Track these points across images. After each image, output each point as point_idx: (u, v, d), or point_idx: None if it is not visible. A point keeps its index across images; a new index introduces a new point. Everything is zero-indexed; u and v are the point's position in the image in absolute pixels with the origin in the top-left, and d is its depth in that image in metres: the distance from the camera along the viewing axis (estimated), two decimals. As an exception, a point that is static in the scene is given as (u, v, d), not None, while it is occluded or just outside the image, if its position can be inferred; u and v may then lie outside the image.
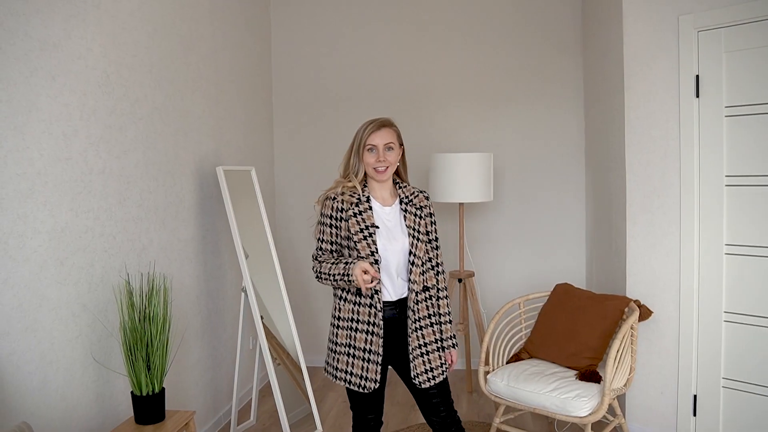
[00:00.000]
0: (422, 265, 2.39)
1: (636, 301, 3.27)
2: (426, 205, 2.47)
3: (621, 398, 3.49)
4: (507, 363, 3.43)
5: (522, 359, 3.44)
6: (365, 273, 2.22)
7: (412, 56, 4.64)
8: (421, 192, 2.49)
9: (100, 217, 2.55)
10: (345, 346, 2.35)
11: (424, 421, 3.72)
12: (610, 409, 3.43)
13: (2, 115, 2.03)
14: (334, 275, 2.29)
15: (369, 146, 2.33)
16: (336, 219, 2.33)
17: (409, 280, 2.36)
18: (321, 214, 2.36)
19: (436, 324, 2.43)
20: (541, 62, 4.49)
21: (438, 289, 2.46)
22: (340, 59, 4.72)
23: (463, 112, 4.60)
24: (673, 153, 3.19)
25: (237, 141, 4.05)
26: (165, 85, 3.10)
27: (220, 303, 3.72)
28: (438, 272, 2.48)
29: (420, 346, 2.37)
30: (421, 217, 2.42)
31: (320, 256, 2.39)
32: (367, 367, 2.31)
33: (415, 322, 2.36)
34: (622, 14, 3.30)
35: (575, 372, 3.17)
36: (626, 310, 3.25)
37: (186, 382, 3.30)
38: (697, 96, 3.08)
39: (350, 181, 2.36)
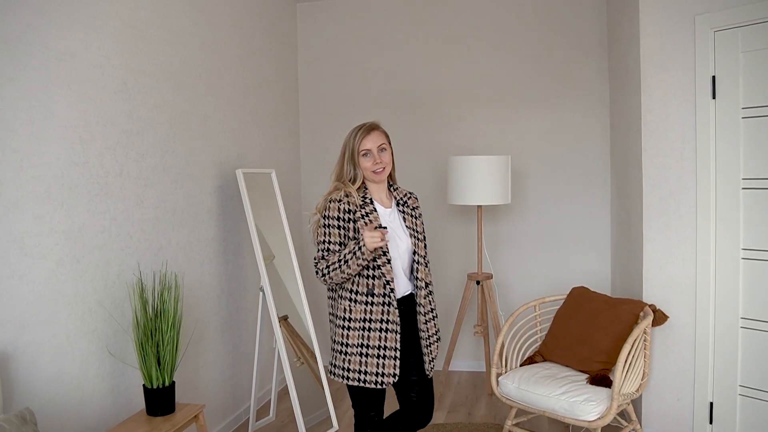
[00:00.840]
0: (424, 264, 2.52)
1: (651, 306, 3.22)
2: (417, 206, 2.59)
3: (637, 404, 3.44)
4: (521, 366, 3.42)
5: (536, 362, 3.44)
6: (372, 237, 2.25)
7: (435, 60, 4.67)
8: (411, 193, 2.60)
9: (117, 218, 2.68)
10: (357, 347, 2.38)
11: (440, 422, 3.76)
12: (625, 415, 3.39)
13: (20, 122, 2.17)
14: (344, 256, 2.30)
15: (363, 151, 2.40)
16: (344, 221, 2.37)
17: (416, 278, 2.48)
18: (326, 217, 2.38)
19: (435, 318, 2.59)
20: (566, 66, 4.46)
21: (429, 284, 2.59)
22: (364, 64, 4.79)
23: (488, 116, 4.60)
24: (689, 155, 3.14)
25: (261, 145, 4.16)
26: (185, 91, 3.23)
27: (241, 302, 3.84)
28: (427, 268, 2.59)
29: (428, 337, 2.53)
30: (415, 218, 2.55)
31: (325, 257, 2.40)
32: (384, 363, 2.37)
33: (423, 316, 2.51)
34: (638, 15, 3.26)
35: (587, 376, 3.15)
36: (641, 314, 3.21)
37: (206, 378, 3.42)
38: (714, 97, 3.02)
39: (347, 186, 2.41)
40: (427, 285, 2.52)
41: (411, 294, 2.51)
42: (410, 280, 2.50)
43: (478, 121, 4.61)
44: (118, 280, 2.67)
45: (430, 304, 2.55)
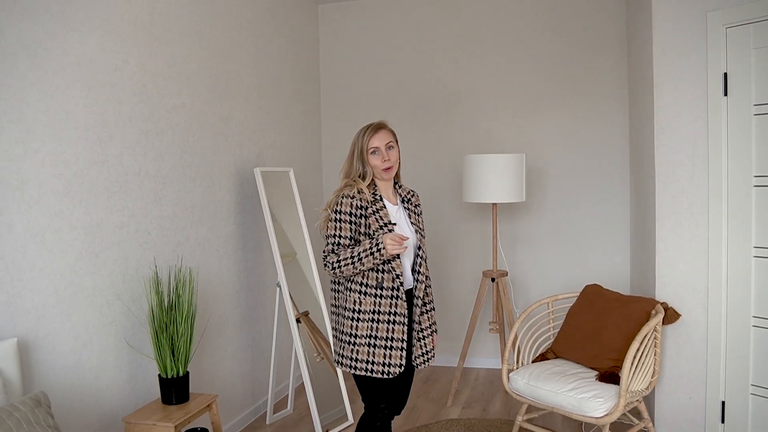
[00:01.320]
0: (425, 259, 2.62)
1: (663, 304, 3.21)
2: (419, 204, 2.71)
3: (650, 402, 3.43)
4: (533, 362, 3.45)
5: (548, 359, 3.45)
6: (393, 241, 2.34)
7: (454, 60, 4.71)
8: (413, 191, 2.71)
9: (135, 215, 2.80)
10: (366, 338, 2.46)
11: (454, 417, 3.81)
12: (636, 412, 3.38)
13: (40, 124, 2.30)
14: (359, 254, 2.38)
15: (372, 149, 2.48)
16: (356, 216, 2.44)
17: (418, 272, 2.57)
18: (338, 212, 2.45)
19: (431, 310, 2.67)
20: (586, 65, 4.44)
21: (427, 278, 2.67)
22: (385, 64, 4.86)
23: (506, 115, 4.62)
24: (701, 153, 3.12)
25: (281, 144, 4.26)
26: (203, 92, 3.34)
27: (260, 297, 3.94)
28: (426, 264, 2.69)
29: (422, 330, 2.60)
30: (418, 215, 2.66)
31: (335, 250, 2.46)
32: (391, 354, 2.46)
33: (419, 308, 2.59)
34: (651, 12, 3.25)
35: (596, 373, 3.16)
36: (653, 312, 3.20)
37: (224, 371, 3.53)
38: (726, 94, 3.00)
39: (358, 184, 2.49)
40: (426, 279, 2.61)
41: (411, 287, 2.59)
42: (412, 273, 2.58)
43: (497, 120, 4.63)
44: (136, 275, 2.79)
45: (428, 297, 2.64)
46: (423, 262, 2.58)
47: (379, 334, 2.45)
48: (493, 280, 4.05)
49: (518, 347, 3.48)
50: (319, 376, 3.69)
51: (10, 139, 2.18)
